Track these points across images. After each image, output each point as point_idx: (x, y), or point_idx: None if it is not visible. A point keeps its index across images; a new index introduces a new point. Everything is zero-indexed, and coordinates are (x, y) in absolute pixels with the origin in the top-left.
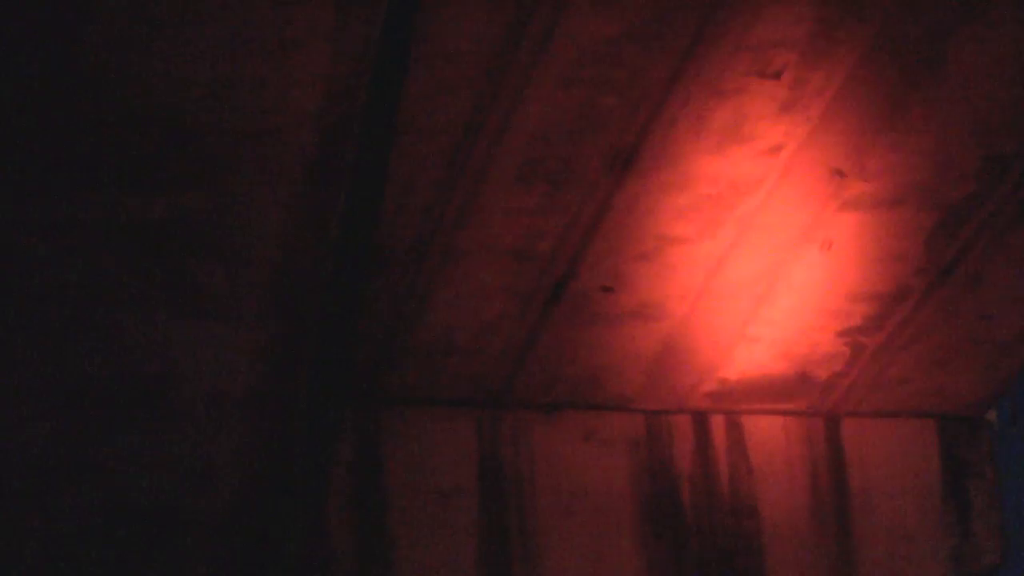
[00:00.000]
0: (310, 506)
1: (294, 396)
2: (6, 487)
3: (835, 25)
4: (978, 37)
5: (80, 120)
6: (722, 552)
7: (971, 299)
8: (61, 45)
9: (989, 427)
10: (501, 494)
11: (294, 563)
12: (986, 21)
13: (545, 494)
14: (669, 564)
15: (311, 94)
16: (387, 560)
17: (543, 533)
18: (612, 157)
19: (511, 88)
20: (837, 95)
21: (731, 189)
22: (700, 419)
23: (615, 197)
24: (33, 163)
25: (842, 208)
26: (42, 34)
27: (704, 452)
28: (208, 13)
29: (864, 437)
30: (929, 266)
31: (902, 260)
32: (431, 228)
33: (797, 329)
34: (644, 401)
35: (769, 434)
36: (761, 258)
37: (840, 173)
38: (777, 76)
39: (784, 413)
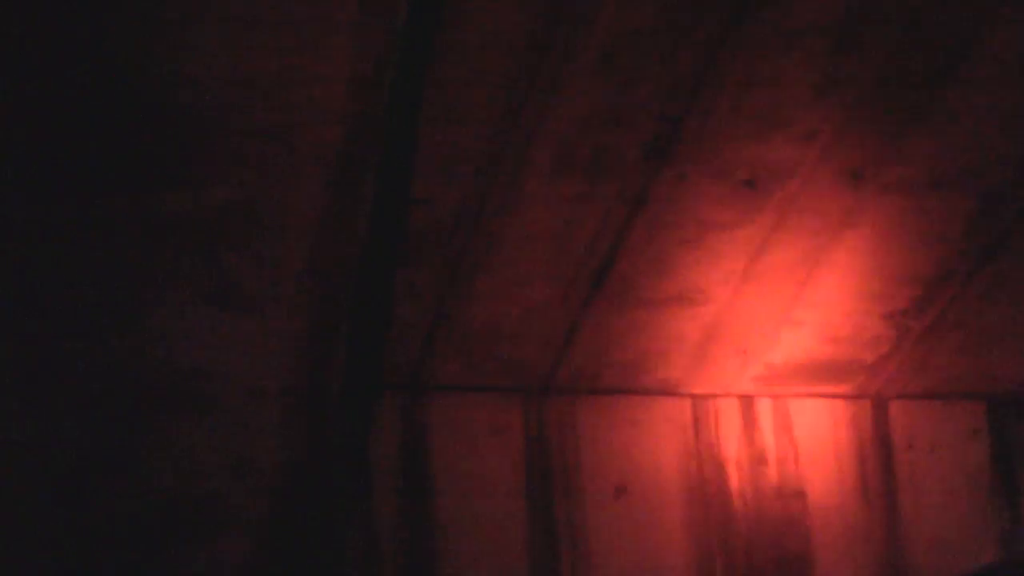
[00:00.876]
0: (350, 496)
1: (329, 388)
2: (43, 480)
3: (869, 9)
4: (1015, 19)
5: (103, 119)
6: (770, 536)
7: (1017, 280)
8: (81, 44)
9: None
10: (548, 480)
11: (338, 552)
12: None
13: (592, 480)
14: (717, 548)
15: (335, 88)
16: (433, 548)
17: (591, 519)
18: (648, 145)
19: (546, 78)
20: (872, 80)
21: (769, 174)
22: (747, 403)
23: (653, 184)
24: (59, 163)
25: (882, 191)
26: (62, 35)
27: (751, 436)
28: (227, 10)
29: (912, 420)
30: (972, 248)
31: (944, 242)
32: (471, 217)
33: (841, 312)
34: (690, 385)
35: (816, 417)
36: (802, 242)
37: (857, 175)
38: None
39: (831, 396)
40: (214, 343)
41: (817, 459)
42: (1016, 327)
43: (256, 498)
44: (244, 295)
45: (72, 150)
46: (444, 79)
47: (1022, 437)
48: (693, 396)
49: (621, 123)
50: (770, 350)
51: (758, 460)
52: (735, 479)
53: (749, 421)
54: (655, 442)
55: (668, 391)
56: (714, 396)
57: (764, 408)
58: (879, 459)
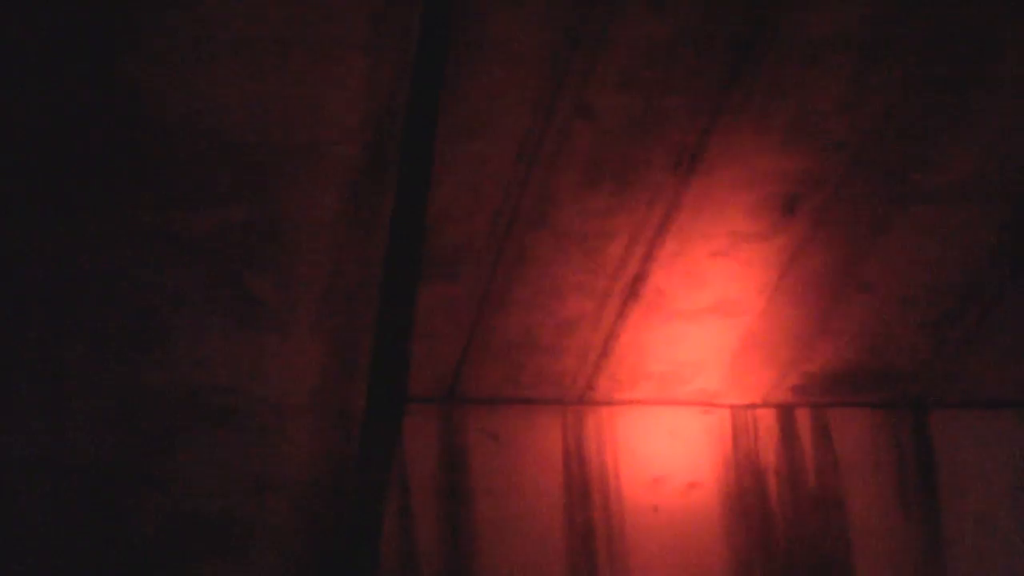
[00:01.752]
0: (380, 510)
1: (355, 404)
2: (73, 497)
3: (891, 18)
4: None
5: (125, 140)
6: (809, 546)
7: None
8: (101, 67)
9: None
10: (586, 491)
11: (371, 566)
12: None
13: (630, 491)
14: (757, 558)
15: (351, 106)
16: (472, 560)
17: (629, 529)
18: (677, 156)
19: (571, 90)
20: (899, 89)
21: (799, 185)
22: (785, 413)
23: (684, 196)
24: (80, 180)
25: (914, 201)
26: (82, 58)
27: (790, 445)
28: (242, 32)
29: (952, 428)
30: (1006, 256)
31: (978, 250)
32: (503, 230)
33: (877, 322)
34: (728, 396)
35: (855, 426)
36: (835, 252)
37: (888, 184)
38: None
39: (870, 405)
40: (238, 360)
41: (857, 468)
42: None
43: (283, 515)
44: (267, 313)
45: (94, 170)
46: (468, 94)
47: None
48: (732, 407)
49: (648, 135)
50: (807, 360)
51: (797, 470)
52: (774, 489)
53: (788, 431)
54: (694, 452)
55: (706, 402)
56: (753, 406)
57: (803, 418)
58: (919, 468)
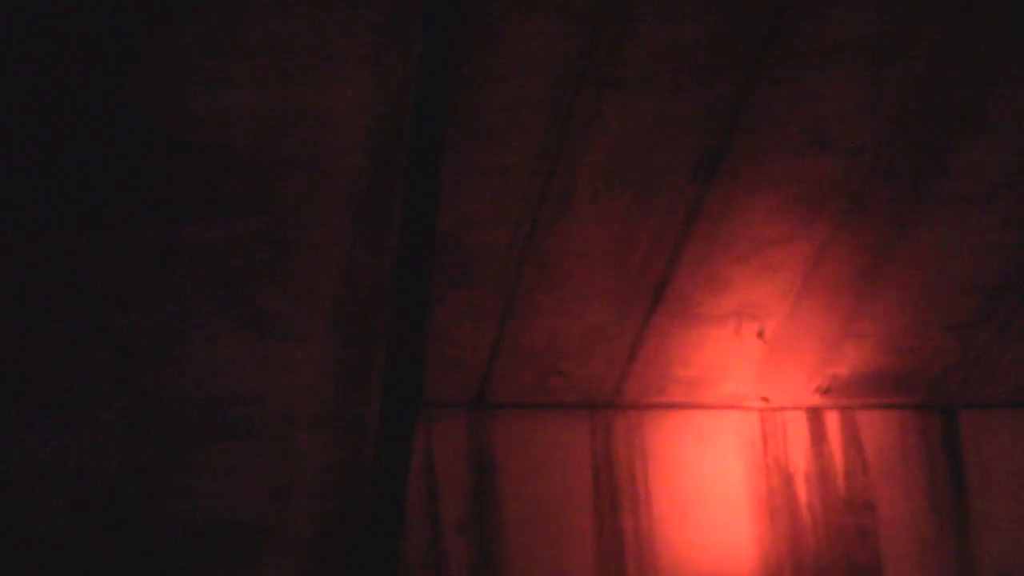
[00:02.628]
0: (394, 515)
1: (367, 413)
2: (85, 508)
3: (904, 21)
4: None
5: (134, 151)
6: (839, 548)
7: None
8: (108, 79)
9: None
10: (615, 496)
11: (390, 571)
12: None
13: (660, 495)
14: (786, 562)
15: (356, 117)
16: (501, 564)
17: (658, 534)
18: (696, 162)
19: (588, 98)
20: (914, 92)
21: (818, 189)
22: (815, 415)
23: (704, 201)
24: (88, 195)
25: (935, 203)
26: (89, 69)
27: (819, 448)
28: (247, 45)
29: (981, 430)
30: None
31: (1002, 252)
32: (524, 236)
33: (903, 324)
34: (757, 399)
35: (884, 428)
36: (857, 255)
37: (907, 187)
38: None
39: (899, 407)
40: (250, 371)
41: (886, 470)
42: None
43: (301, 523)
44: (278, 323)
45: (102, 185)
46: (485, 102)
47: None
48: (761, 410)
49: (666, 141)
50: (835, 363)
51: (827, 472)
52: (803, 492)
53: (817, 433)
54: (723, 456)
55: (735, 405)
56: (782, 409)
57: (832, 420)
58: (949, 469)
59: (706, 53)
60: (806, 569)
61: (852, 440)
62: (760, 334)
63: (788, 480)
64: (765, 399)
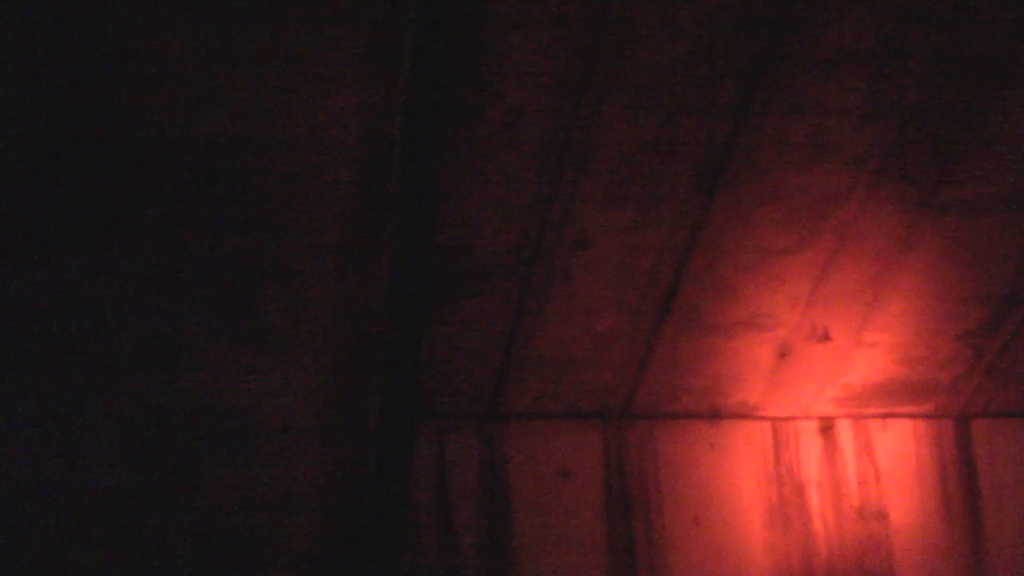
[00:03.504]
0: (394, 523)
1: (365, 422)
2: (91, 522)
3: (902, 34)
4: None
5: (121, 166)
6: (852, 557)
7: None
8: (99, 95)
9: None
10: (627, 504)
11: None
12: None
13: (671, 503)
14: (798, 571)
15: (345, 132)
16: (513, 572)
17: (670, 543)
18: (699, 174)
19: (588, 111)
20: (915, 103)
21: (822, 200)
22: (827, 424)
23: (709, 213)
24: (88, 210)
25: (940, 213)
26: (76, 86)
27: (832, 457)
28: (236, 65)
29: (994, 438)
30: None
31: (1009, 261)
32: (531, 247)
33: (913, 333)
34: (769, 408)
35: (897, 437)
36: (864, 265)
37: (912, 197)
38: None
39: (912, 416)
40: (247, 383)
41: (899, 479)
42: None
43: (303, 532)
44: (273, 336)
45: (100, 198)
46: (488, 115)
47: None
48: (773, 419)
49: (669, 152)
50: (846, 372)
51: (839, 481)
52: (816, 501)
53: (829, 443)
54: (734, 465)
55: (747, 414)
56: (794, 418)
57: (844, 429)
58: (961, 478)
59: (705, 65)
60: None
61: (864, 449)
62: (782, 355)
63: (800, 489)
64: (777, 409)
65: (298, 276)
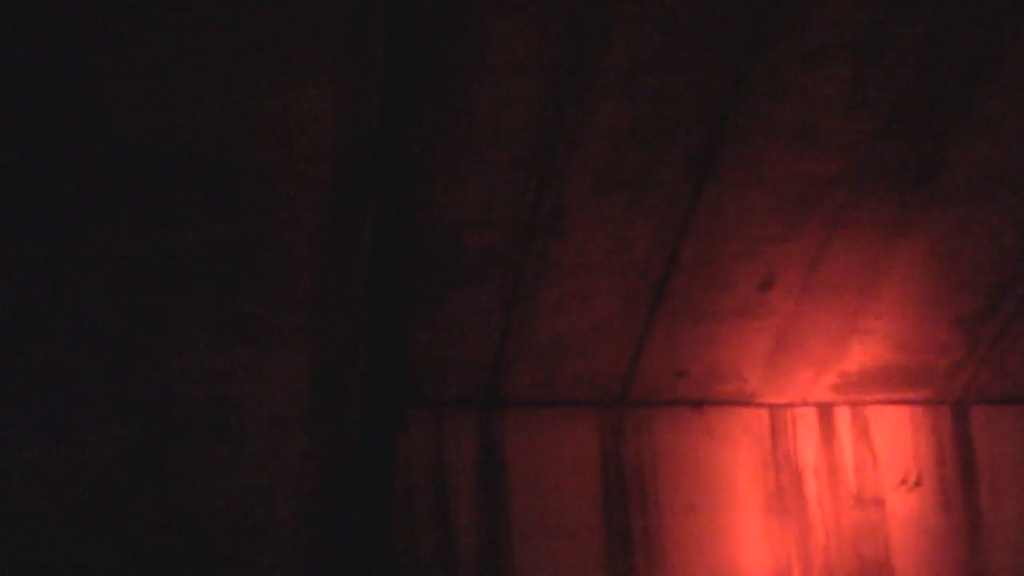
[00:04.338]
0: (381, 513)
1: (349, 412)
2: (80, 511)
3: (885, 23)
4: None
5: (106, 161)
6: (849, 544)
7: None
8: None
9: None
10: (624, 491)
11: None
12: None
13: (668, 490)
14: (794, 557)
15: (321, 126)
16: (510, 560)
17: (667, 530)
18: (687, 162)
19: (575, 100)
20: (901, 92)
21: (812, 187)
22: (825, 411)
23: (699, 201)
24: (67, 203)
25: (931, 200)
26: (53, 81)
27: (829, 444)
28: (210, 58)
29: (992, 424)
30: None
31: (1002, 248)
32: (523, 236)
33: (909, 320)
34: (767, 395)
35: (895, 424)
36: (856, 253)
37: (901, 185)
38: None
39: (910, 403)
40: (230, 375)
41: (896, 466)
42: None
43: (287, 523)
44: (255, 328)
45: (79, 191)
46: (474, 106)
47: None
48: (771, 406)
49: (657, 141)
50: (843, 359)
51: (836, 468)
52: (813, 487)
53: (827, 429)
54: (731, 452)
55: (744, 401)
56: (791, 405)
57: (842, 416)
58: (959, 464)
59: (690, 55)
60: (815, 564)
61: (862, 436)
62: (777, 342)
63: (797, 476)
64: (774, 396)
65: (278, 268)
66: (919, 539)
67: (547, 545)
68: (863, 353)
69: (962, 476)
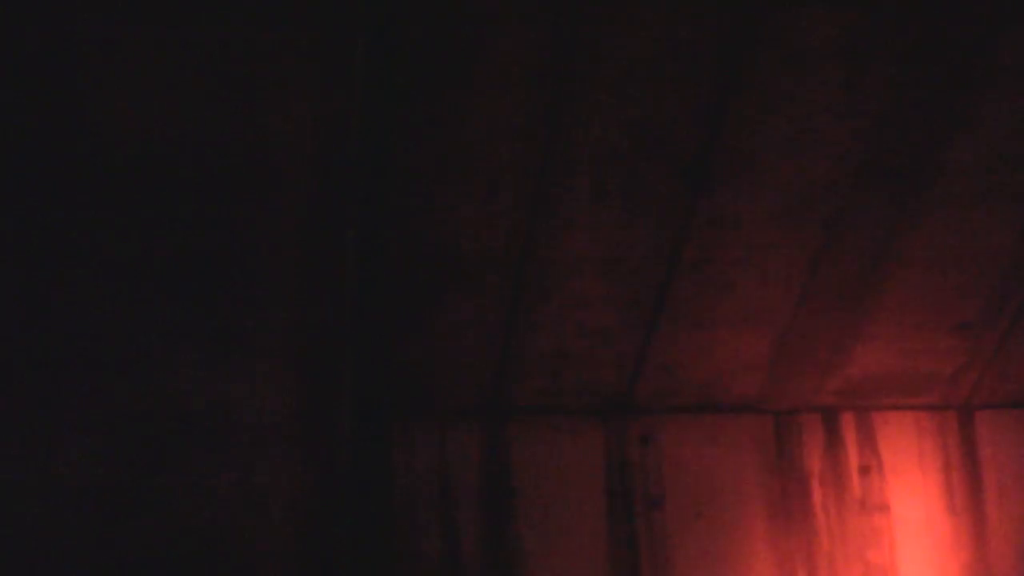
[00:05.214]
0: (373, 521)
1: (336, 420)
2: (67, 524)
3: (872, 29)
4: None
5: (87, 170)
6: (854, 549)
7: None
8: (57, 96)
9: None
10: (629, 498)
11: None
12: None
13: (673, 497)
14: (800, 562)
15: (300, 137)
16: (515, 567)
17: (672, 537)
18: (682, 169)
19: (568, 107)
20: (892, 97)
21: (808, 193)
22: (830, 416)
23: (696, 208)
24: (48, 212)
25: (928, 206)
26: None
27: (834, 449)
28: (188, 68)
29: (998, 429)
30: None
31: (1001, 254)
32: (520, 245)
33: (910, 325)
34: (772, 401)
35: (900, 429)
36: (855, 257)
37: (898, 190)
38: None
39: (915, 408)
40: (218, 385)
41: (901, 471)
42: None
43: (279, 532)
44: (241, 338)
45: (59, 199)
46: (466, 116)
47: None
48: (775, 412)
49: (651, 148)
50: (847, 364)
51: (841, 474)
52: (818, 493)
53: (832, 435)
54: (736, 458)
55: (749, 407)
56: (797, 411)
57: (847, 421)
58: (965, 469)
59: (679, 63)
60: (819, 569)
61: (867, 441)
62: (779, 348)
63: (803, 481)
64: (779, 402)
65: (263, 277)
66: (925, 544)
67: (552, 552)
68: (867, 358)
69: (967, 481)
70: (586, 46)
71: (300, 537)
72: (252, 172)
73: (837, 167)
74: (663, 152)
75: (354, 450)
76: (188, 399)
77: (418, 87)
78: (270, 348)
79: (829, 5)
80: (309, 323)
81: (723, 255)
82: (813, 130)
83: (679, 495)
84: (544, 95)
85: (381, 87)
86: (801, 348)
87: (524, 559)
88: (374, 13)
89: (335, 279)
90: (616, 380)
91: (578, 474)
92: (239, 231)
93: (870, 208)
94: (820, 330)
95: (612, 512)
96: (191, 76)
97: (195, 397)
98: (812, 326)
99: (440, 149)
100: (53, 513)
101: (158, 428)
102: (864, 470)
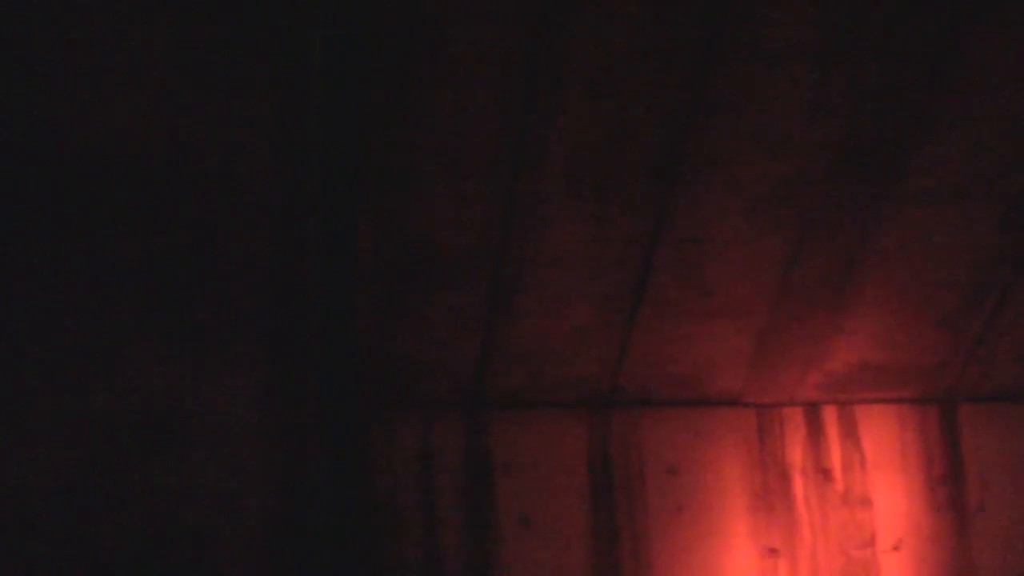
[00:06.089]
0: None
1: (305, 416)
2: (36, 524)
3: (843, 27)
4: (995, 26)
5: (50, 168)
6: (836, 542)
7: None
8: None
9: None
10: (611, 494)
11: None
12: (999, 20)
13: (655, 492)
14: (782, 557)
15: (261, 137)
16: (496, 560)
17: (654, 531)
18: (656, 164)
19: (540, 104)
20: (863, 94)
21: (782, 189)
22: (812, 410)
23: (671, 202)
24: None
25: (903, 202)
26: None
27: (816, 443)
28: (150, 76)
29: (980, 422)
30: (1007, 253)
31: (977, 249)
32: (497, 239)
33: (890, 319)
34: (754, 395)
35: (883, 422)
36: (832, 252)
37: (872, 186)
38: None
39: (898, 401)
40: (187, 383)
41: (884, 464)
42: None
43: (246, 528)
44: (209, 336)
45: (23, 198)
46: (437, 113)
47: None
48: (758, 406)
49: (624, 144)
50: (828, 358)
51: (824, 467)
52: (800, 487)
53: (814, 428)
54: (719, 452)
55: (732, 402)
56: (779, 405)
57: (829, 415)
58: (947, 462)
59: (650, 59)
60: (802, 564)
61: (849, 434)
62: (760, 342)
63: (785, 475)
64: (761, 396)
65: (229, 275)
66: (907, 537)
67: (535, 546)
68: (848, 352)
69: (950, 474)
70: (558, 44)
71: (270, 534)
72: (218, 169)
73: (811, 163)
74: (637, 148)
75: (332, 446)
76: (159, 399)
77: (388, 84)
78: (242, 346)
79: (800, 5)
80: (281, 320)
81: (700, 250)
82: (786, 126)
83: (661, 489)
84: (516, 92)
85: (343, 85)
86: (782, 342)
87: (506, 552)
88: (331, 8)
89: (305, 275)
90: (599, 374)
91: (560, 468)
92: (206, 230)
93: (845, 203)
94: (801, 324)
95: (594, 505)
96: (153, 75)
97: (166, 396)
98: (793, 320)
99: (412, 146)
100: (23, 515)
101: (129, 428)
102: (846, 464)
